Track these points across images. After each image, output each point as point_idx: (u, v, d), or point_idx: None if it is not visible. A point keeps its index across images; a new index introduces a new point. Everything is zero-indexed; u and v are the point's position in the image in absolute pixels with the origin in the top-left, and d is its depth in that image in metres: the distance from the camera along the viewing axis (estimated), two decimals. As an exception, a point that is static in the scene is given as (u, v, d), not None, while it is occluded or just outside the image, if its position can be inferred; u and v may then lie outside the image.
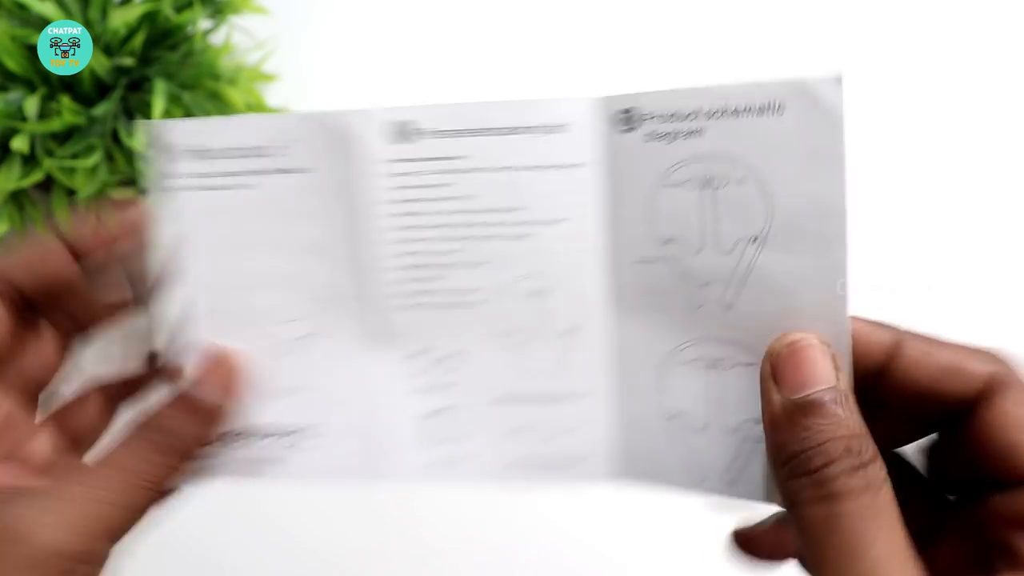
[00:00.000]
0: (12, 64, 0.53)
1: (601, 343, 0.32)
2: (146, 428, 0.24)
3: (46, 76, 0.54)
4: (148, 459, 0.23)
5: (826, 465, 0.19)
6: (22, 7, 0.55)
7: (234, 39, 0.65)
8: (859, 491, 0.18)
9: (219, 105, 0.59)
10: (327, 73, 0.74)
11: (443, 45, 0.77)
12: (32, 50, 0.54)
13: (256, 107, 0.64)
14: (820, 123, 0.29)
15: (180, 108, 0.57)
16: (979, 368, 0.22)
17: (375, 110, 0.35)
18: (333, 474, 0.31)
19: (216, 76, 0.60)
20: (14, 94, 0.53)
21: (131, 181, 0.58)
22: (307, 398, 0.31)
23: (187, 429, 0.24)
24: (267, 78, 0.68)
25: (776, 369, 0.23)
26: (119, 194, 0.59)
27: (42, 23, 0.55)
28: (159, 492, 0.23)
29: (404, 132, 0.33)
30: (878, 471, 0.20)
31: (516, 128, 0.31)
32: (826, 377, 0.21)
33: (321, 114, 0.36)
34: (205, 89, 0.59)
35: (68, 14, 0.55)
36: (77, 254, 0.26)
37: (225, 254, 0.34)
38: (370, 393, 0.32)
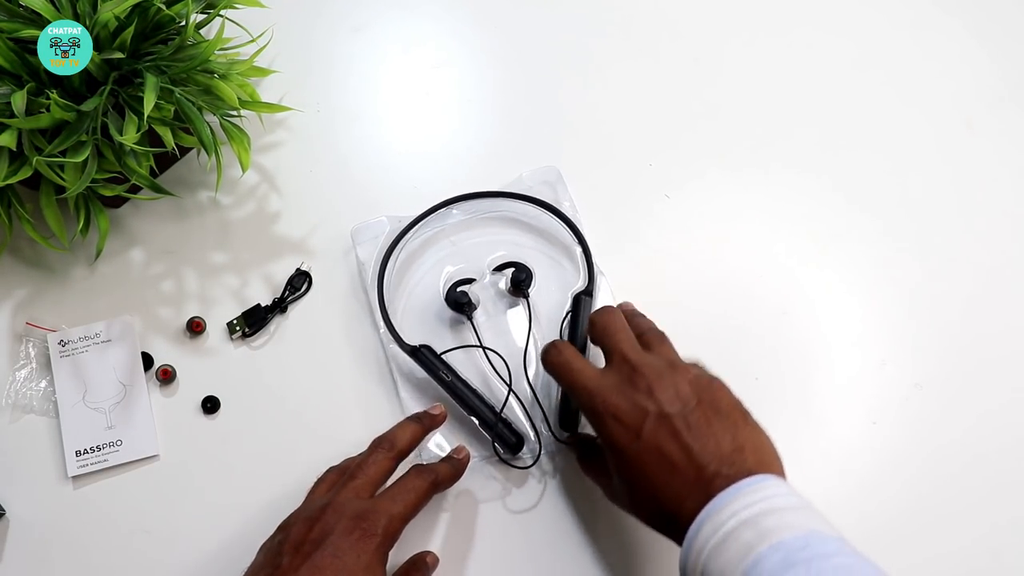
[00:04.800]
0: (-1, 59, 0.51)
1: None
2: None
3: (34, 71, 0.53)
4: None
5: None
6: (10, 0, 0.54)
7: (229, 32, 0.63)
8: None
9: (212, 100, 0.58)
10: (326, 68, 0.72)
11: (440, 38, 0.76)
12: (20, 44, 0.53)
13: (250, 102, 0.62)
14: None
15: (171, 103, 0.55)
16: None
17: None
18: None
19: (209, 70, 0.59)
20: (2, 89, 0.52)
21: (120, 177, 0.57)
22: None
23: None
24: (262, 72, 0.66)
25: None
26: (108, 191, 0.58)
27: (30, 16, 0.54)
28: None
29: None
30: None
31: None
32: None
33: None
34: (197, 83, 0.58)
35: (57, 7, 0.54)
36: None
37: None
38: None
